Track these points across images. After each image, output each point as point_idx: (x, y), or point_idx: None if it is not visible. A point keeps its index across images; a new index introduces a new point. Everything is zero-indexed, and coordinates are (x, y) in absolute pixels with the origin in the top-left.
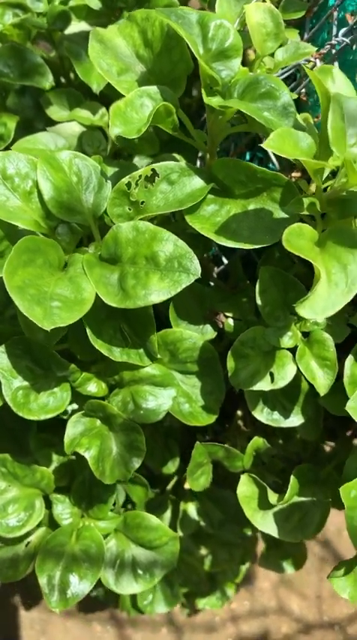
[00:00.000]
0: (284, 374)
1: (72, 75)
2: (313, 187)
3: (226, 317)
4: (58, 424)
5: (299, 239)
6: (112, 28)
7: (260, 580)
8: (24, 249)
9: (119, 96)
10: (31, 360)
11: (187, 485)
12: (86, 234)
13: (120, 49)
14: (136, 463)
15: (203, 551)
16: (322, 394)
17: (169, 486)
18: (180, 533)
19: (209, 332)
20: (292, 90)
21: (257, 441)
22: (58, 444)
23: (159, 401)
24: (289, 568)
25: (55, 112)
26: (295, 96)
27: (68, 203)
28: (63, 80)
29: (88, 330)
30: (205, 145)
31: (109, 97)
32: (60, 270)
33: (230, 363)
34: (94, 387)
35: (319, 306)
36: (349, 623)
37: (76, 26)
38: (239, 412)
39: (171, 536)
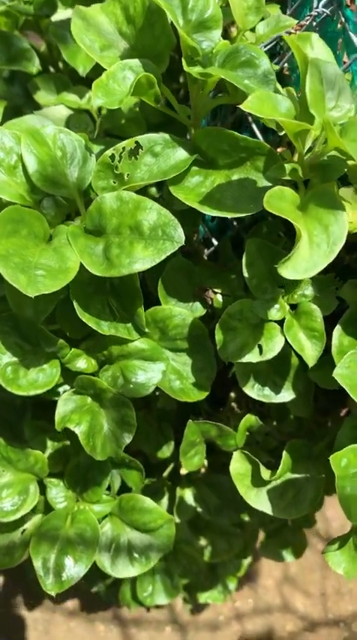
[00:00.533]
0: (272, 346)
1: (61, 64)
2: (296, 157)
3: (215, 293)
4: (52, 411)
5: (281, 202)
6: (95, 6)
7: (264, 578)
8: (8, 219)
9: None
10: (20, 336)
11: (183, 471)
12: (73, 210)
13: (103, 26)
14: (128, 438)
15: (202, 541)
16: (310, 365)
17: (166, 473)
18: (177, 520)
19: (199, 309)
20: (275, 69)
21: (249, 419)
22: (53, 431)
23: (148, 375)
24: (288, 557)
25: (42, 96)
26: (276, 67)
27: (52, 176)
28: (52, 70)
29: (75, 304)
30: (189, 119)
31: None
32: (45, 243)
33: (218, 336)
34: (83, 363)
35: (301, 266)
36: (355, 620)
37: (63, 13)
38: (233, 394)
39: (166, 519)
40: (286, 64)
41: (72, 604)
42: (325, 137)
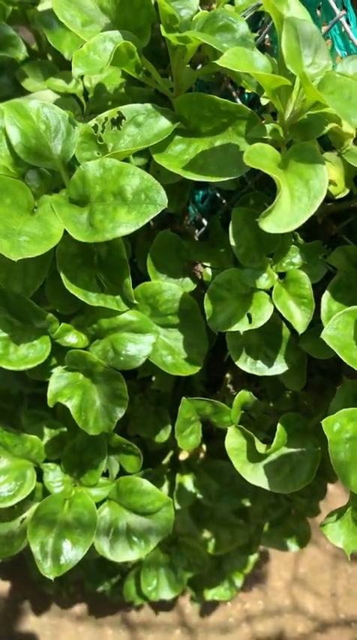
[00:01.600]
0: (261, 314)
1: (50, 57)
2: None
3: (204, 267)
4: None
5: (261, 157)
6: None
7: (273, 579)
8: None
9: None
10: (9, 312)
11: (182, 457)
12: (58, 183)
13: (84, 2)
14: (120, 412)
15: (206, 534)
16: (300, 332)
17: (165, 461)
18: (177, 506)
19: (189, 284)
20: (255, 38)
21: (244, 395)
22: (50, 419)
23: (139, 347)
24: (293, 546)
25: (30, 83)
26: (255, 34)
27: (36, 149)
28: None
29: (62, 276)
30: (171, 91)
31: None
32: (29, 213)
33: (207, 306)
34: (73, 338)
35: (282, 220)
36: None
37: (48, 3)
38: (228, 375)
39: (164, 501)
40: (267, 36)
41: (80, 608)
42: (303, 95)
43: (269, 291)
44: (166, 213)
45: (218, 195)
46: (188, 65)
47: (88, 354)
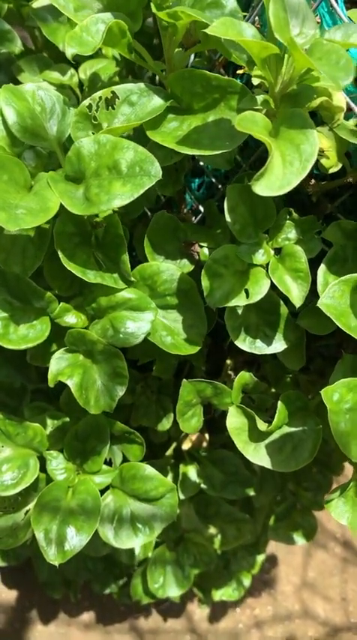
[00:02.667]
0: (259, 289)
1: (45, 54)
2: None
3: (201, 247)
4: (50, 393)
5: (252, 124)
6: None
7: (282, 584)
8: None
9: (86, 59)
10: (9, 293)
11: (185, 447)
12: (55, 164)
13: None
14: (121, 391)
15: (212, 530)
16: (297, 305)
17: (169, 452)
18: (182, 496)
19: (187, 265)
20: (246, 20)
21: (244, 376)
22: (52, 410)
23: (138, 324)
24: (299, 539)
25: (26, 77)
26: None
27: (32, 129)
28: None
29: (60, 254)
30: (163, 73)
31: (77, 63)
32: (26, 190)
33: (205, 282)
34: (73, 318)
35: (275, 184)
36: None
37: (42, 1)
38: (229, 362)
39: (168, 487)
40: (257, 18)
41: (88, 616)
42: (292, 64)
43: (265, 267)
44: (163, 202)
45: (214, 180)
46: (180, 49)
47: (87, 332)
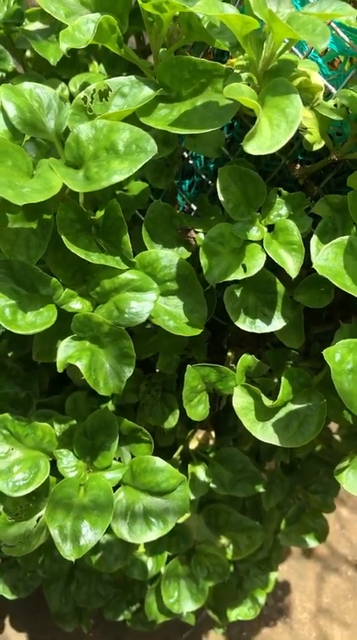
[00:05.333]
0: (255, 263)
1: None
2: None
3: (197, 232)
4: (55, 406)
5: (239, 93)
6: None
7: (297, 611)
8: None
9: (74, 74)
10: (15, 282)
11: (192, 446)
12: (55, 156)
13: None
14: (128, 372)
15: (223, 540)
16: (293, 276)
17: (176, 454)
18: (192, 497)
19: (184, 252)
20: None
21: (246, 358)
22: (58, 415)
23: (141, 304)
24: (312, 542)
25: None
26: None
27: (31, 122)
28: None
29: (64, 238)
30: (151, 70)
31: (66, 80)
32: (29, 177)
33: (203, 260)
34: (78, 304)
35: (265, 144)
36: None
37: (32, 25)
38: (230, 354)
39: (179, 479)
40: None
41: None
42: (272, 39)
43: (260, 244)
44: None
45: (204, 177)
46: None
47: (93, 315)
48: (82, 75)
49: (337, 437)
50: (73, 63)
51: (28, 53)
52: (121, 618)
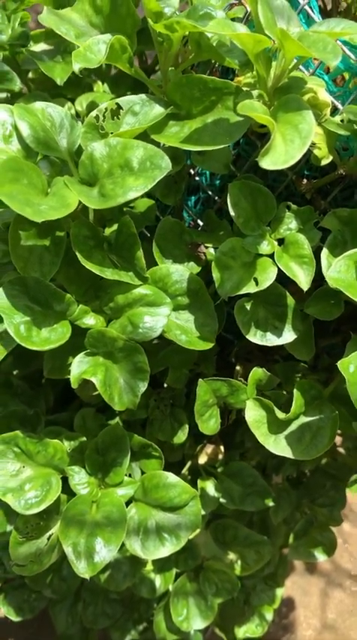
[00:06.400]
0: (267, 276)
1: None
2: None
3: (207, 247)
4: (62, 423)
5: (253, 109)
6: (66, 9)
7: (302, 628)
8: (9, 167)
9: (79, 93)
10: (30, 299)
11: (201, 460)
12: (68, 175)
13: (75, 21)
14: (143, 387)
15: (231, 556)
16: (305, 289)
17: (185, 470)
18: (202, 512)
19: (194, 268)
20: None
21: (257, 372)
22: (68, 432)
23: (155, 319)
24: (320, 556)
25: None
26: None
27: (45, 140)
28: None
29: (78, 254)
30: (159, 89)
31: (72, 100)
32: (44, 195)
33: (215, 274)
34: (92, 319)
35: (279, 159)
36: None
37: (36, 47)
38: (238, 368)
39: (191, 494)
40: None
41: None
42: (283, 57)
43: (271, 257)
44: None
45: (210, 193)
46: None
47: (107, 330)
48: (88, 94)
49: (341, 450)
50: (78, 83)
51: (30, 75)
52: (128, 639)
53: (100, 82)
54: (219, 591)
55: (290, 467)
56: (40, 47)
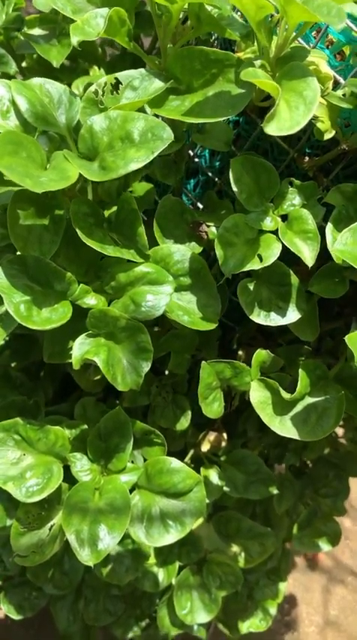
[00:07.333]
0: (271, 252)
1: None
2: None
3: (208, 226)
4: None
5: (255, 76)
6: None
7: (304, 625)
8: (7, 140)
9: (74, 78)
10: (29, 278)
11: (204, 448)
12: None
13: None
14: (146, 367)
15: (235, 548)
16: (310, 265)
17: (187, 458)
18: (206, 501)
19: (196, 248)
20: None
21: (261, 353)
22: (68, 420)
23: (158, 297)
24: (325, 546)
25: None
26: None
27: (43, 115)
28: None
29: (78, 232)
30: (158, 65)
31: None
32: (43, 169)
33: (219, 251)
34: (93, 299)
35: (284, 125)
36: None
37: (31, 32)
38: (240, 353)
39: (196, 479)
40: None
41: None
42: (286, 24)
43: (275, 233)
44: None
45: (210, 174)
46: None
47: (110, 309)
48: (84, 77)
49: (343, 441)
50: (74, 69)
51: (24, 64)
52: (130, 635)
53: (96, 67)
54: (223, 584)
55: (293, 456)
56: (35, 32)
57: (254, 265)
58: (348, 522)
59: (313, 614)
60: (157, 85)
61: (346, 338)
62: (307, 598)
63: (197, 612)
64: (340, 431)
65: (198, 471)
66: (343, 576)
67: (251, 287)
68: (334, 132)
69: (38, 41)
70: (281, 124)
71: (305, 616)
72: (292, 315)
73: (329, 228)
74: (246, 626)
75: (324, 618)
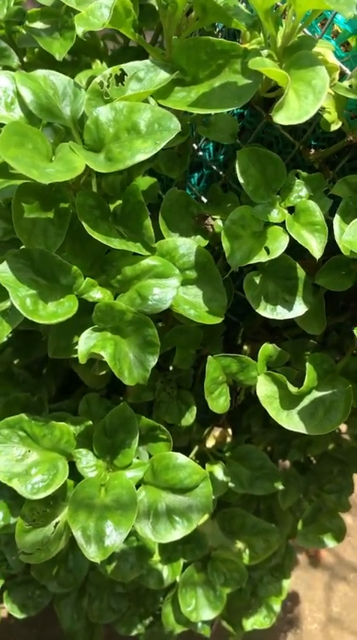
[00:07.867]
0: (278, 244)
1: None
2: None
3: (214, 219)
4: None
5: (263, 65)
6: None
7: (307, 622)
8: (13, 131)
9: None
10: (35, 272)
11: (209, 444)
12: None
13: None
14: (153, 361)
15: (239, 544)
16: (317, 257)
17: (192, 454)
18: (212, 497)
19: (201, 241)
20: None
21: (267, 347)
22: (73, 416)
23: (164, 290)
24: (330, 542)
25: None
26: None
27: (48, 106)
28: None
29: (84, 225)
30: (163, 56)
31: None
32: (49, 160)
33: (225, 244)
34: (99, 293)
35: (293, 114)
36: None
37: (33, 25)
38: (246, 348)
39: (202, 475)
40: None
41: None
42: (293, 13)
43: (281, 225)
44: None
45: (215, 168)
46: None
47: (116, 303)
48: (87, 71)
49: (347, 437)
50: (76, 63)
51: (25, 59)
52: (134, 633)
53: (98, 61)
54: (227, 581)
55: (297, 452)
56: (36, 25)
57: (261, 258)
58: (350, 520)
59: (316, 611)
60: (163, 76)
61: (355, 330)
62: (310, 595)
63: (202, 609)
64: (343, 427)
65: (203, 467)
66: (346, 573)
67: (257, 280)
68: (340, 123)
69: (40, 34)
70: (290, 113)
71: (308, 613)
72: (299, 309)
73: (337, 219)
74: (250, 623)
75: (326, 615)
